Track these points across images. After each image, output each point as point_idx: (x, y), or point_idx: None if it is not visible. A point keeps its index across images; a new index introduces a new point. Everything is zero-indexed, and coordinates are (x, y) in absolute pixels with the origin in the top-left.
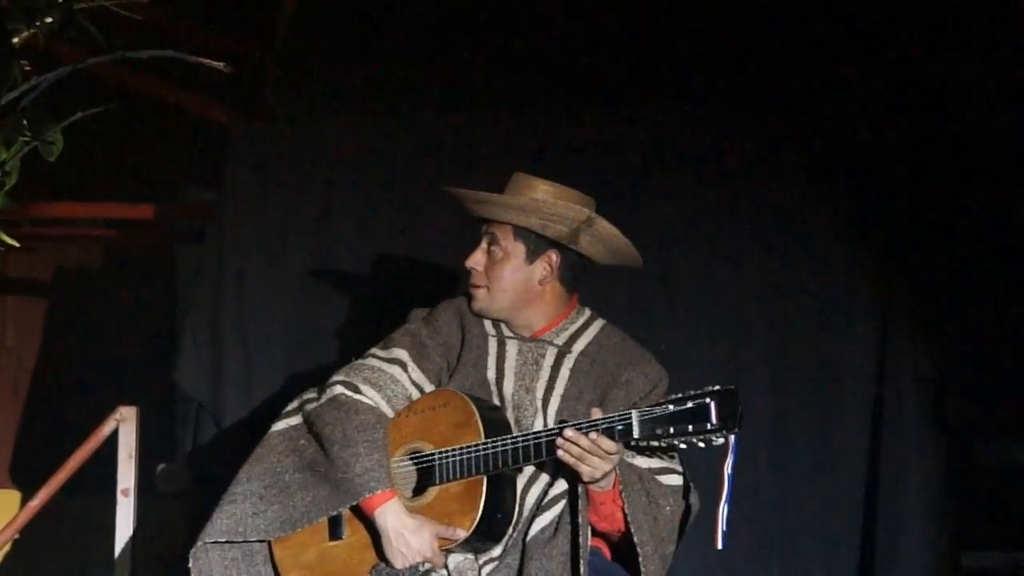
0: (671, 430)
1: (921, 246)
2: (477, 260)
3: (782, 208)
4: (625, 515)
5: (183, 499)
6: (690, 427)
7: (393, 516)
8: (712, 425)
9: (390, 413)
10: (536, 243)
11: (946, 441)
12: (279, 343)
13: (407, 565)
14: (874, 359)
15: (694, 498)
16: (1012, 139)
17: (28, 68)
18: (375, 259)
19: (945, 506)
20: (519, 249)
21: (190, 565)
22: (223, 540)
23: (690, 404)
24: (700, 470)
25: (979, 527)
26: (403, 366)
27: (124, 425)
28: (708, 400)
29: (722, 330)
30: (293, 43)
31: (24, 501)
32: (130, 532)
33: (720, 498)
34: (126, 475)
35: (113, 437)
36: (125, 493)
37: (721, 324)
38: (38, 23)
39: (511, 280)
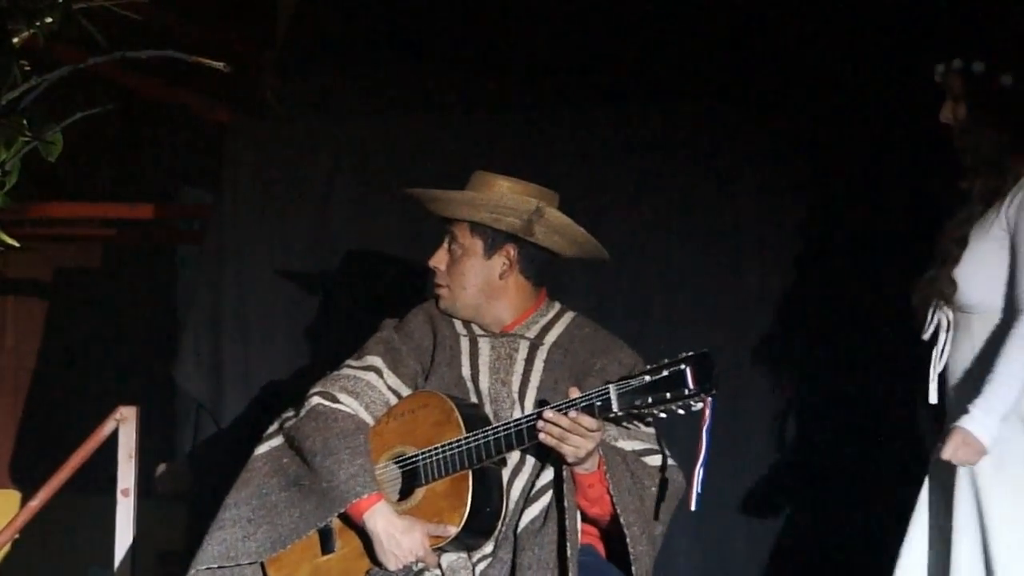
0: (649, 400)
1: (921, 247)
2: (439, 259)
3: (782, 209)
4: (611, 496)
5: (183, 499)
6: (668, 394)
7: (382, 519)
8: (690, 390)
9: (369, 420)
10: (493, 237)
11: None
12: (279, 343)
13: (400, 566)
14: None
15: (680, 477)
16: None
17: (28, 68)
18: (375, 259)
19: None
20: (477, 245)
21: None
22: (215, 566)
23: (666, 372)
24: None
25: None
26: (378, 372)
27: (124, 425)
28: (683, 366)
29: (721, 331)
30: (293, 43)
31: (24, 501)
32: (130, 532)
33: (696, 460)
34: (126, 475)
35: (113, 437)
36: (125, 493)
37: (720, 324)
38: (38, 23)
39: (472, 276)
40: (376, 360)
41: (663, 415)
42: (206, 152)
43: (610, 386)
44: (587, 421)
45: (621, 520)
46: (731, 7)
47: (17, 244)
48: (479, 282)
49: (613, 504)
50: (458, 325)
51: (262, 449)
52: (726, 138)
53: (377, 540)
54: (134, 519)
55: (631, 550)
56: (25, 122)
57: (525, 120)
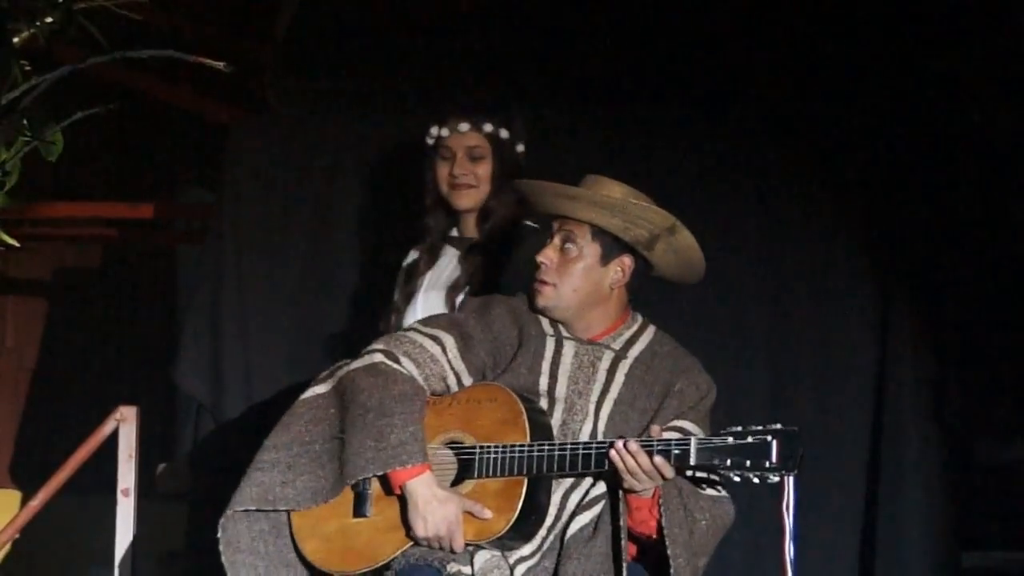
0: (728, 462)
1: (921, 246)
2: (549, 256)
3: (782, 208)
4: (661, 527)
5: (183, 499)
6: (748, 462)
7: (424, 486)
8: (771, 464)
9: (427, 390)
10: (612, 246)
11: (946, 441)
12: (279, 343)
13: (428, 535)
14: (874, 359)
15: (732, 510)
16: (1012, 139)
17: (28, 68)
18: (375, 259)
19: (945, 506)
20: (595, 250)
21: (219, 535)
22: (253, 508)
23: (750, 439)
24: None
25: (979, 527)
26: (443, 348)
27: (124, 425)
28: (770, 438)
29: (722, 331)
30: (293, 43)
31: (24, 501)
32: (130, 532)
33: (784, 538)
34: (126, 475)
35: (113, 437)
36: (125, 493)
37: (721, 324)
38: (38, 23)
39: (582, 280)
40: (446, 337)
41: (736, 479)
42: (206, 152)
43: (692, 439)
44: (668, 471)
45: (668, 551)
46: (732, 10)
47: (17, 244)
48: (588, 287)
49: (663, 535)
50: (545, 324)
51: (308, 394)
52: (728, 138)
53: (413, 504)
54: (134, 519)
55: None
56: (25, 122)
57: (526, 121)
